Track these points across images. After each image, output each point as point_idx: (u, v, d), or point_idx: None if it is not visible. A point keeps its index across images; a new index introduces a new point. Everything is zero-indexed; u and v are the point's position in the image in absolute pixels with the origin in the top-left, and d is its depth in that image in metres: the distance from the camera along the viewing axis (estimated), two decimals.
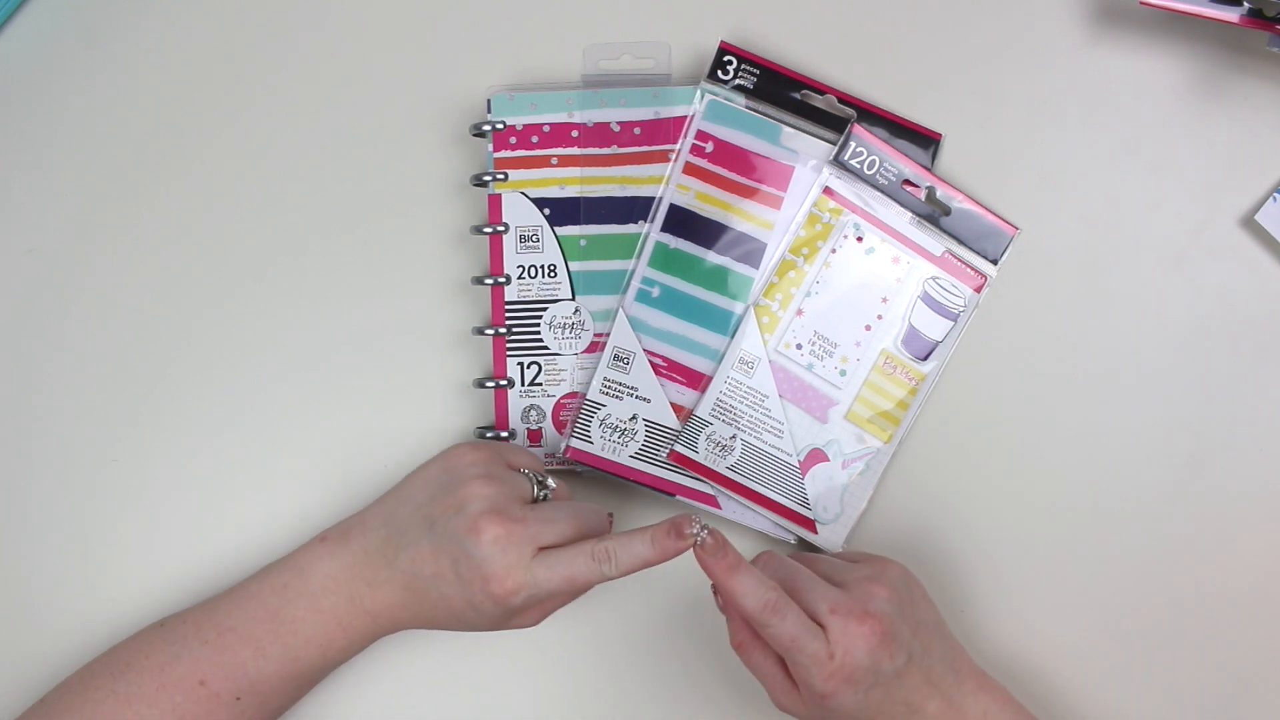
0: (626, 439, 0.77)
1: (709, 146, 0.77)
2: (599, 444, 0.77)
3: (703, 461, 0.77)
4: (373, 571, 0.68)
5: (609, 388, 0.77)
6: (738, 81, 0.78)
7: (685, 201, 0.77)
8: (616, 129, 0.77)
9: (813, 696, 0.66)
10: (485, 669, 0.78)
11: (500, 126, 0.77)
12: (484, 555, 0.66)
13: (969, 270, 0.78)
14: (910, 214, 0.77)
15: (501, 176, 0.78)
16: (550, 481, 0.70)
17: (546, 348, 0.78)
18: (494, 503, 0.67)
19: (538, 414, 0.78)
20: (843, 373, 0.77)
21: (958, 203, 0.78)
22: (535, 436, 0.78)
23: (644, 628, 0.79)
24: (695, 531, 0.65)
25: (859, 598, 0.65)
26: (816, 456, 0.77)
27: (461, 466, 0.69)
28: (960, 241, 0.78)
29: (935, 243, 0.77)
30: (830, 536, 0.77)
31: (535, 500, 0.69)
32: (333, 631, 0.69)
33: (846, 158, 0.77)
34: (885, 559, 0.70)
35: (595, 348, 0.78)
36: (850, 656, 0.64)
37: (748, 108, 0.78)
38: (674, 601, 0.78)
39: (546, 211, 0.78)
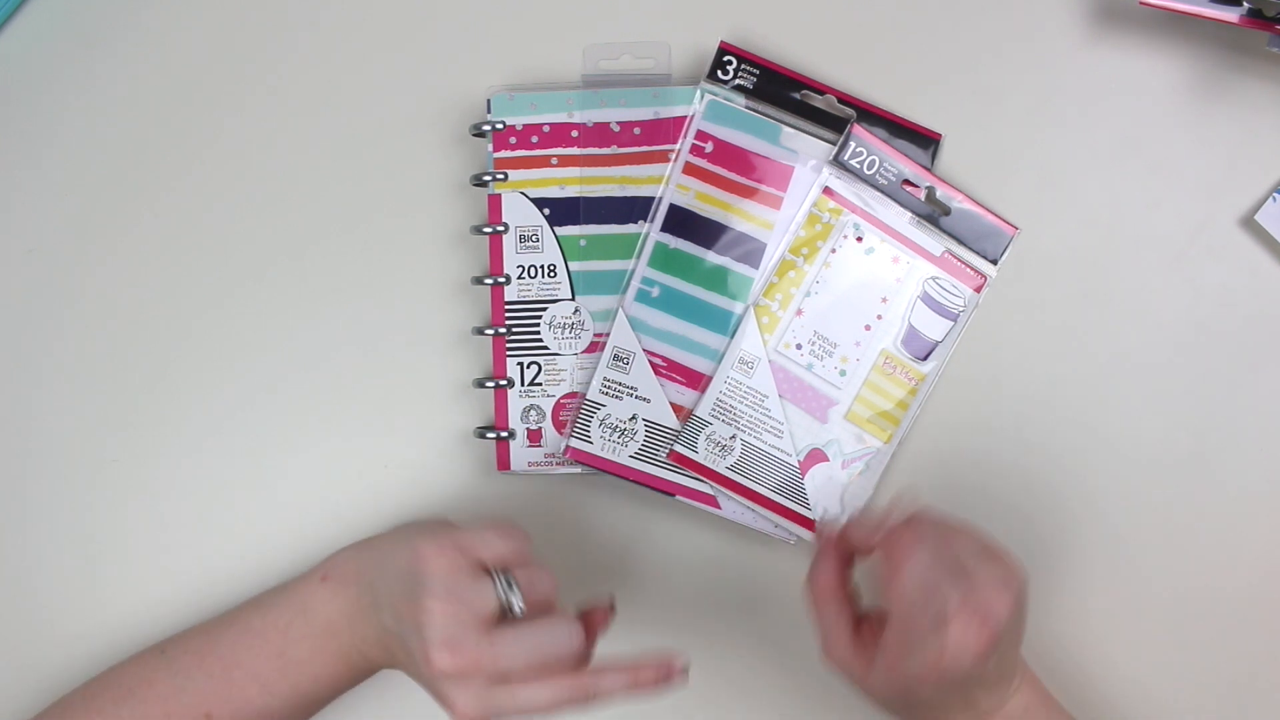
0: (626, 439, 0.77)
1: (709, 146, 0.77)
2: (599, 444, 0.77)
3: (702, 461, 0.77)
4: (363, 628, 0.67)
5: (609, 388, 0.77)
6: (738, 81, 0.78)
7: (685, 201, 0.77)
8: (616, 129, 0.77)
9: (895, 676, 0.64)
10: None
11: (500, 126, 0.77)
12: (438, 688, 0.63)
13: (969, 270, 0.78)
14: (910, 214, 0.77)
15: (501, 176, 0.78)
16: (516, 599, 0.64)
17: (546, 348, 0.78)
18: (448, 633, 0.63)
19: (538, 414, 0.78)
20: (842, 373, 0.77)
21: (957, 203, 0.78)
22: (535, 436, 0.78)
23: (643, 612, 0.79)
24: (681, 668, 0.64)
25: (986, 603, 0.63)
26: (816, 456, 0.77)
27: (423, 575, 0.64)
28: (960, 241, 0.78)
29: (935, 243, 0.77)
30: None
31: (502, 614, 0.64)
32: (340, 670, 0.68)
33: (846, 158, 0.77)
34: (1015, 563, 0.66)
35: (595, 348, 0.78)
36: (958, 661, 0.62)
37: (748, 108, 0.77)
38: (674, 600, 0.79)
39: (546, 211, 0.78)
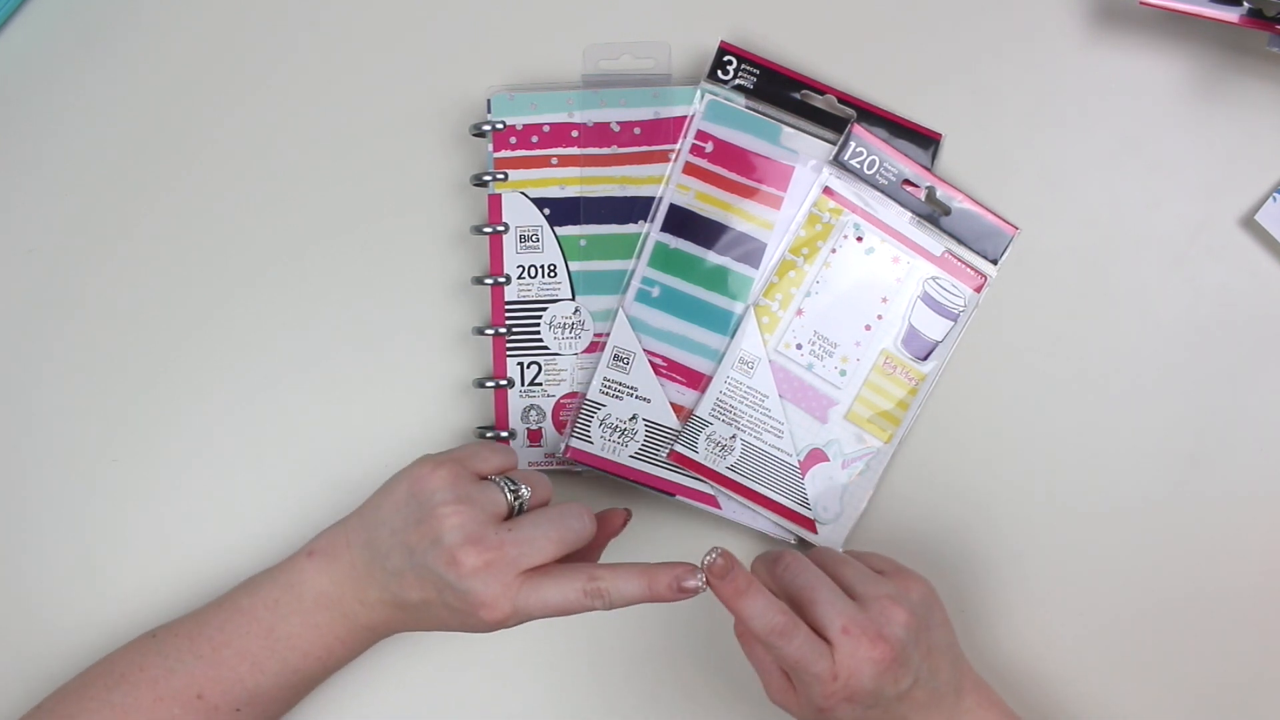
0: (626, 439, 0.77)
1: (709, 146, 0.77)
2: (599, 444, 0.77)
3: (703, 461, 0.77)
4: (363, 590, 0.67)
5: (609, 388, 0.77)
6: (738, 81, 0.78)
7: (685, 201, 0.77)
8: (616, 129, 0.77)
9: (809, 706, 0.65)
10: (483, 663, 0.78)
11: (500, 126, 0.77)
12: (467, 587, 0.64)
13: (969, 270, 0.78)
14: (910, 214, 0.77)
15: (501, 176, 0.78)
16: (524, 489, 0.67)
17: (546, 348, 0.78)
18: (468, 531, 0.64)
19: (538, 414, 0.78)
20: (843, 373, 0.77)
21: (958, 203, 0.78)
22: (535, 436, 0.78)
23: (642, 621, 0.79)
24: (697, 584, 0.64)
25: (875, 618, 0.64)
26: (816, 456, 0.77)
27: (429, 491, 0.65)
28: (960, 241, 0.78)
29: (935, 243, 0.77)
30: (830, 536, 0.77)
31: (511, 511, 0.66)
32: (331, 644, 0.68)
33: (846, 158, 0.77)
34: (912, 576, 0.68)
35: (595, 348, 0.78)
36: (855, 679, 0.63)
37: (748, 108, 0.78)
38: (676, 605, 0.78)
39: (546, 211, 0.78)
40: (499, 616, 0.64)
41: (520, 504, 0.66)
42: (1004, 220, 0.78)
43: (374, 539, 0.67)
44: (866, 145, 0.77)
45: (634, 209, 0.78)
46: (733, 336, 0.77)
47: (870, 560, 0.70)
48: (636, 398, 0.77)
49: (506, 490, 0.66)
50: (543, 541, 0.65)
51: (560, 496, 0.78)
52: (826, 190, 0.77)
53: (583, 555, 0.68)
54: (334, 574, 0.68)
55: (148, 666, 0.69)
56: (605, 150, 0.77)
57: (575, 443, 0.77)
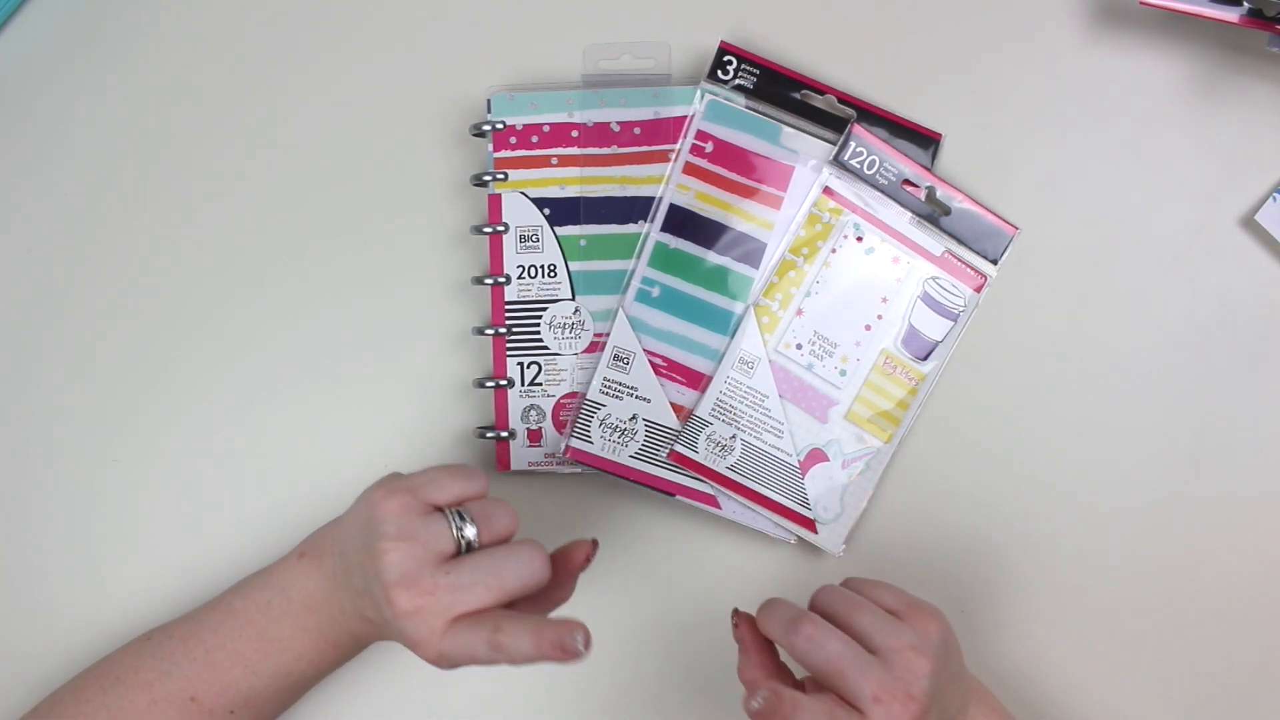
0: (626, 439, 0.77)
1: (709, 146, 0.77)
2: (599, 444, 0.77)
3: (703, 461, 0.77)
4: (340, 598, 0.67)
5: (609, 388, 0.77)
6: (738, 81, 0.78)
7: (685, 201, 0.77)
8: (616, 129, 0.77)
9: None
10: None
11: (500, 126, 0.77)
12: (400, 627, 0.62)
13: (969, 270, 0.78)
14: (910, 214, 0.77)
15: (501, 176, 0.78)
16: (469, 527, 0.63)
17: (546, 348, 0.78)
18: (403, 570, 0.62)
19: (538, 414, 0.78)
20: (843, 373, 0.77)
21: (958, 203, 0.78)
22: (535, 436, 0.78)
23: (643, 612, 0.79)
24: (577, 647, 0.61)
25: (902, 677, 0.62)
26: (816, 456, 0.77)
27: (376, 521, 0.63)
28: (960, 241, 0.78)
29: (935, 243, 0.77)
30: (830, 536, 0.77)
31: (458, 548, 0.63)
32: (322, 647, 0.68)
33: (846, 158, 0.77)
34: (926, 612, 0.66)
35: (595, 348, 0.78)
36: None
37: (748, 108, 0.77)
38: (674, 600, 0.79)
39: (546, 211, 0.78)
40: (429, 656, 0.63)
41: (466, 543, 0.64)
42: (1004, 220, 0.78)
43: (345, 552, 0.66)
44: (866, 145, 0.77)
45: (634, 209, 0.78)
46: (733, 336, 0.77)
47: (880, 595, 0.67)
48: (636, 398, 0.77)
49: (454, 527, 0.64)
50: (479, 589, 0.62)
51: (560, 497, 0.79)
52: (826, 190, 0.77)
53: (548, 594, 0.66)
54: (321, 578, 0.67)
55: (142, 669, 0.69)
56: (605, 150, 0.77)
57: (575, 443, 0.77)
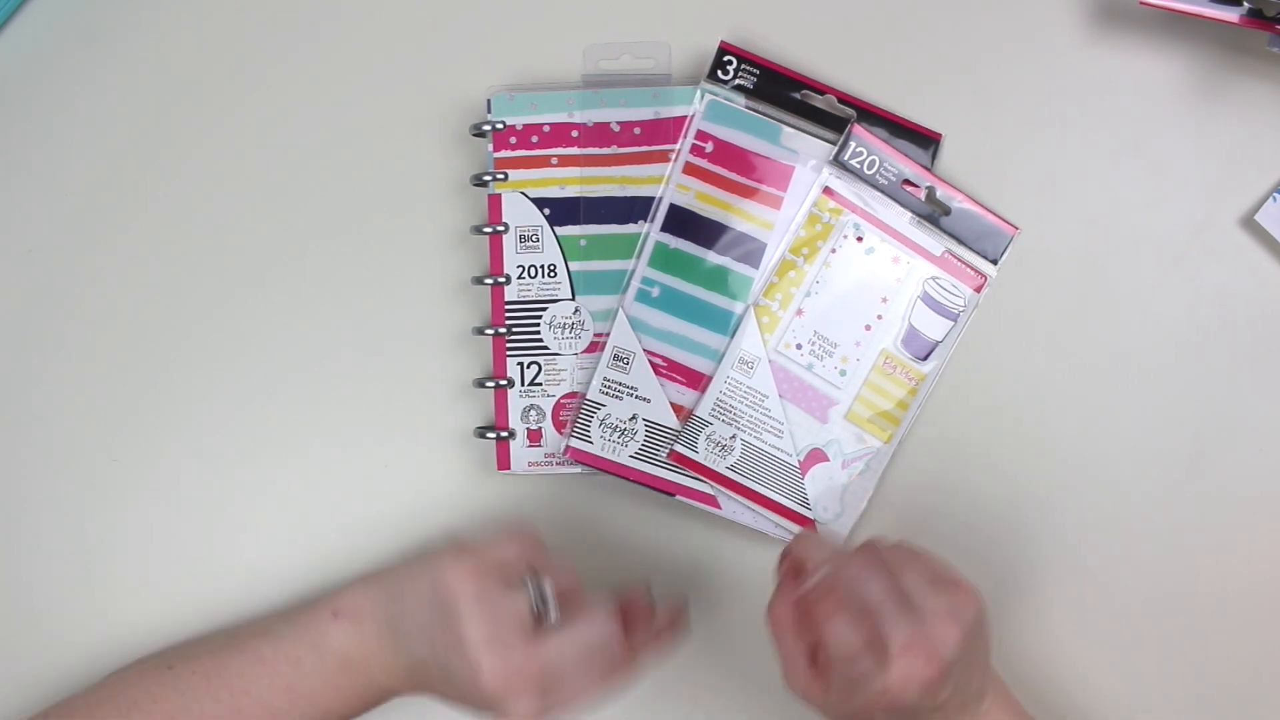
0: (626, 439, 0.77)
1: (709, 146, 0.77)
2: (599, 444, 0.77)
3: (703, 461, 0.77)
4: (388, 662, 0.67)
5: (609, 388, 0.77)
6: (738, 81, 0.78)
7: (685, 201, 0.77)
8: (616, 129, 0.77)
9: (844, 706, 0.65)
10: None
11: (500, 126, 0.77)
12: (491, 693, 0.64)
13: (969, 270, 0.78)
14: (910, 214, 0.77)
15: (501, 176, 0.78)
16: (547, 589, 0.67)
17: (546, 348, 0.78)
18: (492, 650, 0.64)
19: (538, 414, 0.78)
20: (843, 373, 0.77)
21: (958, 203, 0.78)
22: (535, 436, 0.78)
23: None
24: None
25: (932, 638, 0.63)
26: (816, 456, 0.77)
27: (453, 594, 0.65)
28: (960, 241, 0.78)
29: (935, 243, 0.77)
30: (830, 536, 0.77)
31: (536, 612, 0.66)
32: (352, 702, 0.68)
33: (846, 158, 0.77)
34: (969, 591, 0.66)
35: (595, 348, 0.78)
36: (903, 695, 0.62)
37: (748, 108, 0.78)
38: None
39: (546, 211, 0.78)
40: (523, 715, 0.65)
41: (549, 612, 0.67)
42: (1004, 220, 0.78)
43: (398, 620, 0.67)
44: (866, 145, 0.77)
45: (634, 209, 0.78)
46: (733, 336, 0.77)
47: (928, 561, 0.67)
48: (636, 398, 0.77)
49: (535, 597, 0.66)
50: (569, 666, 0.65)
51: (560, 497, 0.79)
52: (826, 190, 0.77)
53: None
54: (359, 640, 0.68)
55: (161, 699, 0.68)
56: (605, 150, 0.77)
57: (575, 443, 0.77)
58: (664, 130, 0.77)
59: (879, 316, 0.77)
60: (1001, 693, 0.68)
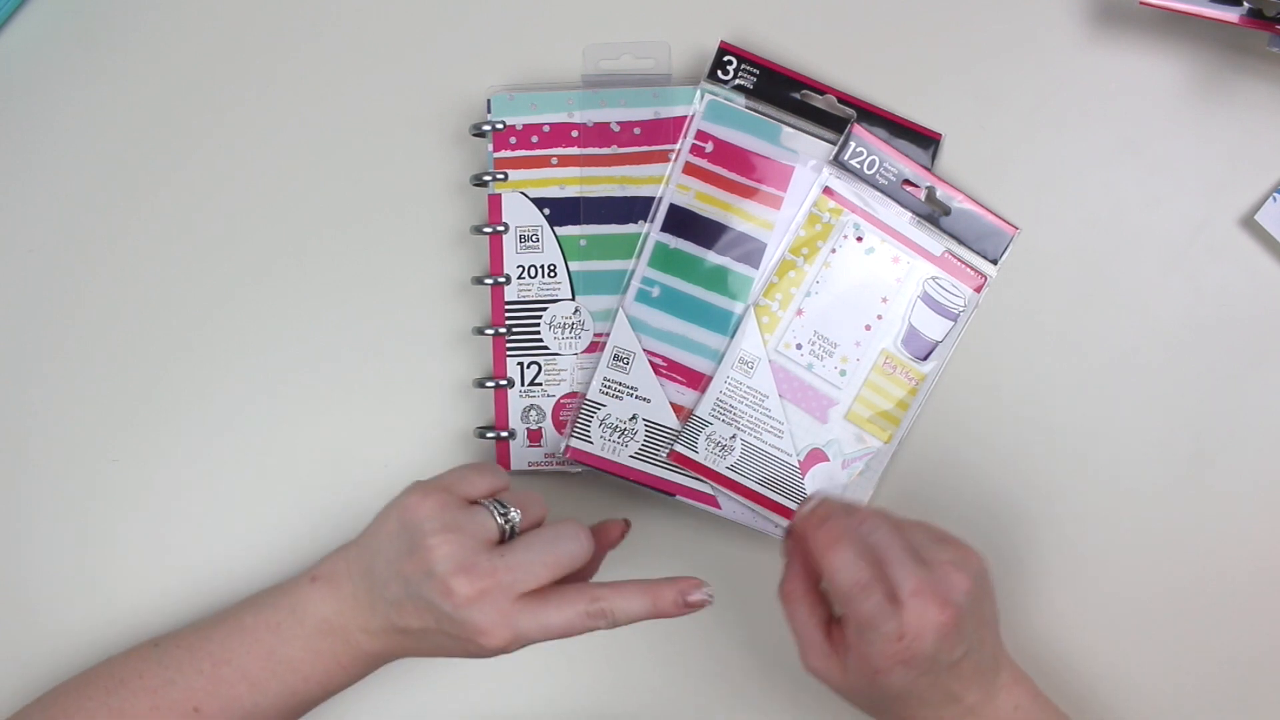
0: (626, 439, 0.77)
1: (709, 146, 0.77)
2: (599, 444, 0.77)
3: (703, 461, 0.77)
4: (364, 619, 0.67)
5: (609, 388, 0.77)
6: (738, 81, 0.78)
7: (685, 201, 0.77)
8: (616, 129, 0.77)
9: (863, 668, 0.64)
10: (484, 661, 0.78)
11: (500, 126, 0.77)
12: (464, 616, 0.64)
13: (969, 270, 0.78)
14: (910, 214, 0.77)
15: (501, 176, 0.78)
16: (513, 511, 0.66)
17: (546, 348, 0.78)
18: (459, 560, 0.63)
19: (538, 414, 0.78)
20: (843, 373, 0.77)
21: (958, 203, 0.78)
22: (535, 436, 0.78)
23: (644, 626, 0.79)
24: (703, 597, 0.66)
25: (942, 583, 0.64)
26: (816, 456, 0.77)
27: (418, 521, 0.65)
28: (960, 241, 0.78)
29: (935, 243, 0.77)
30: None
31: (503, 535, 0.66)
32: (332, 669, 0.68)
33: (846, 158, 0.77)
34: (969, 548, 0.67)
35: (595, 348, 0.78)
36: (918, 642, 0.63)
37: (748, 108, 0.78)
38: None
39: (546, 211, 0.78)
40: (498, 643, 0.64)
41: (511, 527, 0.66)
42: (1004, 220, 0.78)
43: (371, 568, 0.67)
44: (866, 145, 0.77)
45: (634, 209, 0.78)
46: (733, 336, 0.77)
47: (927, 527, 0.68)
48: (636, 398, 0.77)
49: (496, 514, 0.66)
50: (537, 566, 0.64)
51: (560, 497, 0.79)
52: (826, 190, 0.77)
53: (580, 570, 0.68)
54: (336, 601, 0.68)
55: (147, 675, 0.69)
56: (605, 150, 0.77)
57: (575, 443, 0.77)
58: (664, 130, 0.77)
59: (879, 316, 0.77)
60: (1017, 672, 0.68)
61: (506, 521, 0.66)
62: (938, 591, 0.63)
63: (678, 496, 0.77)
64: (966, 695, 0.65)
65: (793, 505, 0.77)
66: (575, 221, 0.78)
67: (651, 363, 0.77)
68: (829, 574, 0.64)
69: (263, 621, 0.68)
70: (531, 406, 0.78)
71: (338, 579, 0.68)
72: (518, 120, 0.77)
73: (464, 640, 0.65)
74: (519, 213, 0.78)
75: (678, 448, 0.77)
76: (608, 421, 0.77)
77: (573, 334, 0.78)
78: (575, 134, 0.77)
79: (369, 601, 0.67)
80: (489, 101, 0.77)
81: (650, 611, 0.66)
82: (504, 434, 0.78)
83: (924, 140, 0.78)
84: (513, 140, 0.77)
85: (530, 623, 0.64)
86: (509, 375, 0.78)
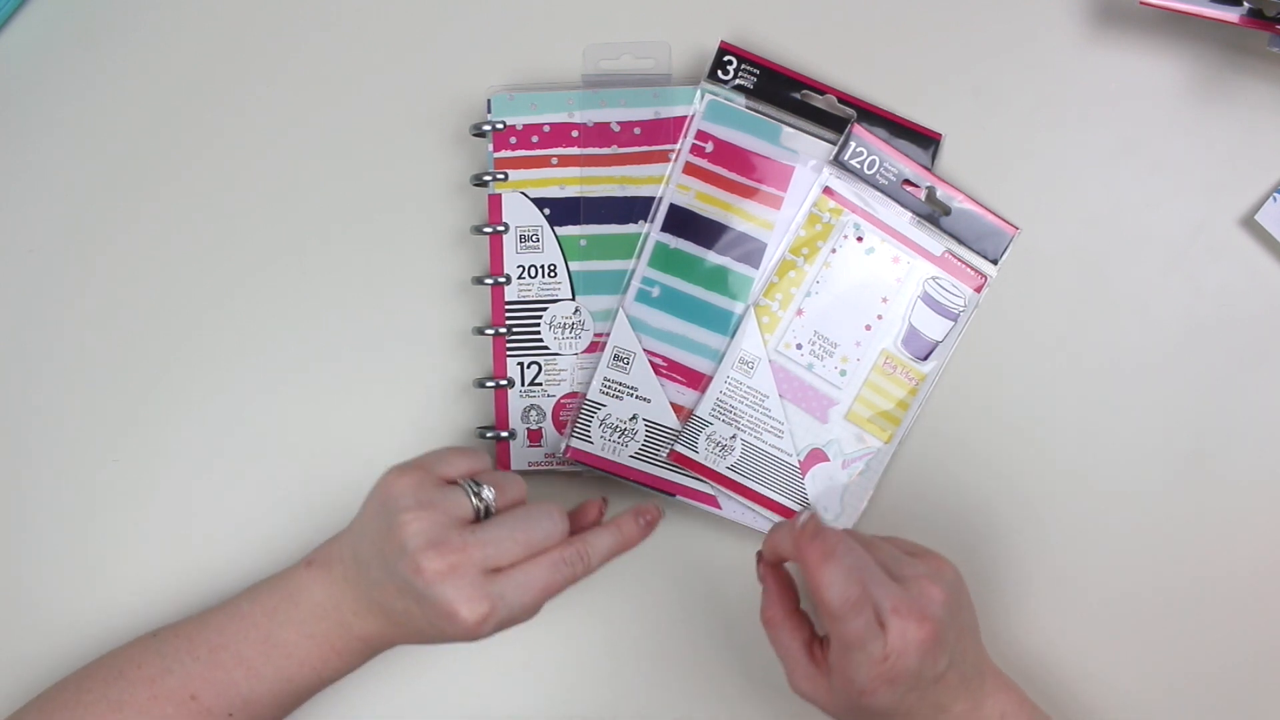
0: (626, 439, 0.77)
1: (709, 146, 0.77)
2: (599, 444, 0.77)
3: (703, 461, 0.77)
4: (354, 602, 0.67)
5: (609, 388, 0.77)
6: (738, 81, 0.78)
7: (685, 201, 0.77)
8: (616, 129, 0.77)
9: (848, 689, 0.64)
10: (485, 662, 0.78)
11: (500, 126, 0.77)
12: (434, 593, 0.63)
13: (969, 270, 0.78)
14: (910, 214, 0.77)
15: (501, 176, 0.78)
16: (487, 490, 0.66)
17: (546, 348, 0.78)
18: (429, 535, 0.64)
19: (538, 414, 0.78)
20: (843, 373, 0.77)
21: (958, 203, 0.78)
22: (535, 436, 0.78)
23: (644, 613, 0.79)
24: (656, 509, 0.70)
25: (918, 599, 0.64)
26: (816, 456, 0.77)
27: (393, 498, 0.65)
28: (960, 241, 0.78)
29: (935, 243, 0.77)
30: None
31: (477, 514, 0.66)
32: (326, 654, 0.68)
33: (846, 158, 0.77)
34: (940, 557, 0.68)
35: (595, 348, 0.78)
36: (902, 660, 0.63)
37: (748, 108, 0.78)
38: (674, 600, 0.79)
39: (546, 211, 0.78)
40: (473, 618, 0.64)
41: (485, 506, 0.66)
42: (1004, 220, 0.78)
43: (358, 551, 0.67)
44: (866, 145, 0.77)
45: (634, 209, 0.78)
46: (733, 336, 0.77)
47: (895, 542, 0.69)
48: (636, 398, 0.77)
49: (470, 493, 0.66)
50: (508, 542, 0.65)
51: (560, 497, 0.78)
52: (826, 190, 0.77)
53: None
54: (329, 585, 0.68)
55: (145, 664, 0.69)
56: (605, 150, 0.78)
57: (575, 443, 0.77)
58: (664, 130, 0.78)
59: (879, 316, 0.77)
60: (1002, 678, 0.69)
61: (480, 500, 0.66)
62: (915, 607, 0.63)
63: (678, 496, 0.77)
64: (953, 705, 0.66)
65: (793, 505, 0.77)
66: (575, 221, 0.78)
67: (652, 363, 0.77)
68: (820, 590, 0.63)
69: (259, 607, 0.69)
70: (532, 406, 0.78)
71: (330, 563, 0.68)
72: (518, 120, 0.77)
73: (439, 621, 0.64)
74: (519, 213, 0.78)
75: (678, 448, 0.77)
76: (608, 421, 0.77)
77: (573, 334, 0.78)
78: (575, 134, 0.77)
79: (357, 583, 0.67)
80: (489, 101, 0.77)
81: (619, 541, 0.68)
82: (504, 434, 0.78)
83: (924, 140, 0.78)
84: (513, 140, 0.77)
85: (506, 584, 0.64)
86: (509, 375, 0.78)
